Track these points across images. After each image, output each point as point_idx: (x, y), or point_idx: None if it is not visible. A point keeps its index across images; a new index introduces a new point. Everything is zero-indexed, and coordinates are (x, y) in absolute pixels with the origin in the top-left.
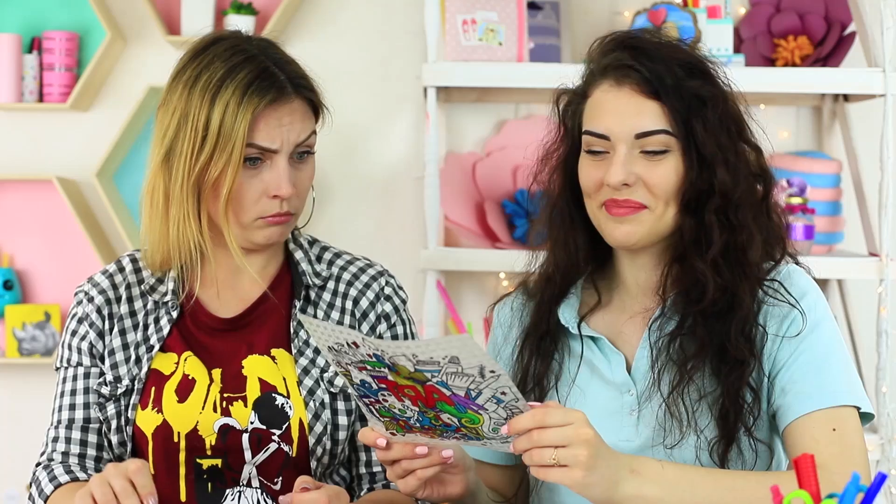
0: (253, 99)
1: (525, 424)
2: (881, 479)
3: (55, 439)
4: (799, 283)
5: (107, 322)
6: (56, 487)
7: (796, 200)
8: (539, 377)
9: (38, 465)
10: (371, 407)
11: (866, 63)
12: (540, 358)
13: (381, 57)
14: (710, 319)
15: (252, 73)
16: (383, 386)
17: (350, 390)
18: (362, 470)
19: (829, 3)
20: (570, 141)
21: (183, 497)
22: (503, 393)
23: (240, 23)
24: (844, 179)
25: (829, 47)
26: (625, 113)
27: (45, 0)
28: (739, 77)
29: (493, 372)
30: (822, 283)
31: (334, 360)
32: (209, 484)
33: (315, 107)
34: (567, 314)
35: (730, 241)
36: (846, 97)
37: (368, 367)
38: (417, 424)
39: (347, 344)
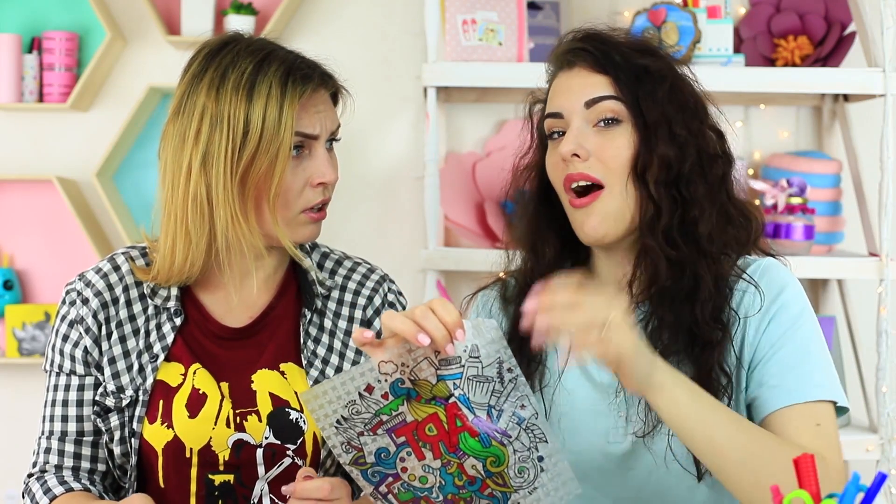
0: (295, 89)
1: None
2: (881, 479)
3: (47, 450)
4: (777, 278)
5: (104, 328)
6: (51, 500)
7: (796, 200)
8: (527, 371)
9: (30, 475)
10: (389, 495)
11: (866, 63)
12: (524, 362)
13: (381, 57)
14: (675, 303)
15: (283, 65)
16: (402, 440)
17: (361, 482)
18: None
19: (829, 3)
20: (540, 141)
21: None
22: (522, 406)
23: (240, 23)
24: (844, 179)
25: (829, 47)
26: (575, 88)
27: (45, 0)
28: (739, 77)
29: (510, 371)
30: (822, 283)
31: (344, 441)
32: (220, 501)
33: (335, 96)
34: None
35: (680, 214)
36: (846, 97)
37: (384, 418)
38: (440, 498)
39: (360, 394)
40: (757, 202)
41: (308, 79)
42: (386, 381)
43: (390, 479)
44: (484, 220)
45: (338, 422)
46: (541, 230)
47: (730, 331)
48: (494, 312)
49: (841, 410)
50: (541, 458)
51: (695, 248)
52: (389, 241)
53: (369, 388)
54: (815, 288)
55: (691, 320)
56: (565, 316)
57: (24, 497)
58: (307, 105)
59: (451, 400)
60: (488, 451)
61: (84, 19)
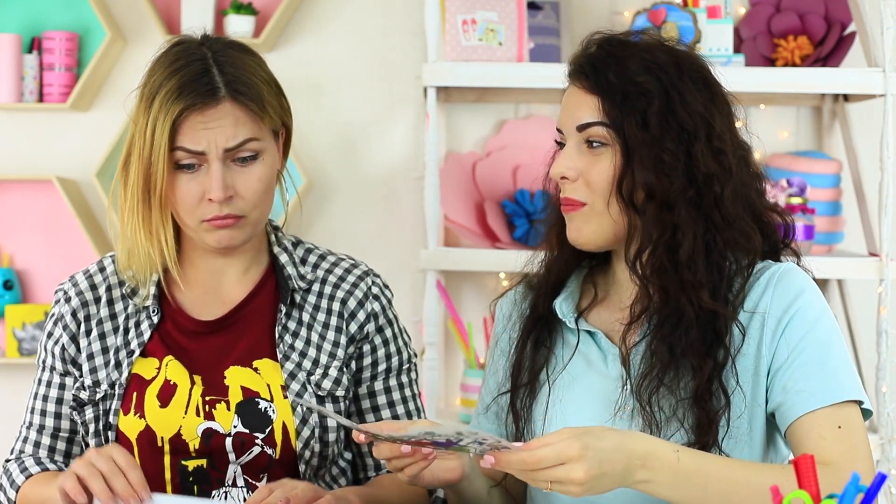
0: (176, 103)
1: (515, 467)
2: (881, 479)
3: (25, 440)
4: (794, 282)
5: (82, 325)
6: (27, 478)
7: (796, 200)
8: (533, 365)
9: (7, 460)
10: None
11: (866, 63)
12: (535, 347)
13: (381, 57)
14: (664, 327)
15: (185, 77)
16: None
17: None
18: (371, 473)
19: (829, 3)
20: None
21: None
22: (484, 439)
23: (239, 23)
24: (844, 179)
25: (829, 47)
26: (570, 108)
27: (45, 0)
28: (739, 77)
29: (471, 432)
30: (822, 283)
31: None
32: (195, 486)
33: (258, 113)
34: (564, 308)
35: (666, 239)
36: (846, 97)
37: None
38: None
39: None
40: None
41: (192, 94)
42: None
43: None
44: (484, 220)
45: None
46: (559, 226)
47: (729, 349)
48: (518, 298)
49: (866, 413)
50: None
51: (678, 275)
52: (389, 241)
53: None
54: None
55: (682, 345)
56: (527, 476)
57: (1, 479)
58: (192, 121)
59: (411, 440)
60: (449, 449)
61: (84, 19)
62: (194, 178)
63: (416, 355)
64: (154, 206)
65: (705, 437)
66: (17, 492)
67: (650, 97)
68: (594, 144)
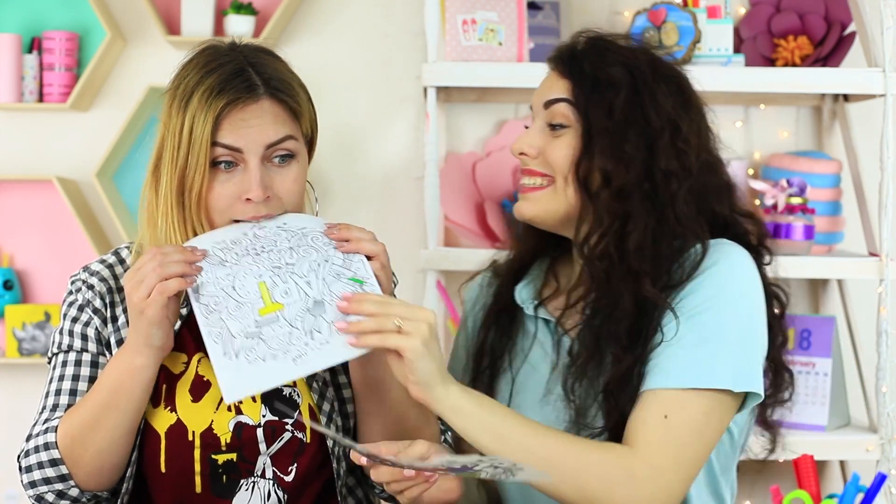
0: (217, 100)
1: (370, 308)
2: (881, 479)
3: (47, 422)
4: (712, 255)
5: (109, 310)
6: (56, 428)
7: (796, 200)
8: (494, 350)
9: (28, 438)
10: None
11: (866, 63)
12: (497, 333)
13: (381, 57)
14: (599, 314)
15: (222, 75)
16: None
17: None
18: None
19: (829, 3)
20: None
21: (198, 489)
22: (501, 463)
23: (239, 23)
24: (844, 179)
25: (829, 47)
26: (543, 88)
27: (45, 0)
28: (739, 77)
29: (490, 458)
30: (822, 283)
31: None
32: (224, 476)
33: (295, 112)
34: (524, 295)
35: (617, 227)
36: (846, 97)
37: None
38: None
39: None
40: (756, 202)
41: (237, 90)
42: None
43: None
44: (484, 220)
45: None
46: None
47: (649, 343)
48: (484, 285)
49: (754, 396)
50: (512, 475)
51: (623, 263)
52: (389, 240)
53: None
54: (815, 288)
55: (609, 337)
56: (381, 307)
57: (27, 460)
58: (233, 117)
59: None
60: (462, 474)
61: (84, 19)
62: (230, 179)
63: (397, 281)
64: (189, 207)
65: (618, 430)
66: (56, 446)
67: (619, 88)
68: (557, 126)
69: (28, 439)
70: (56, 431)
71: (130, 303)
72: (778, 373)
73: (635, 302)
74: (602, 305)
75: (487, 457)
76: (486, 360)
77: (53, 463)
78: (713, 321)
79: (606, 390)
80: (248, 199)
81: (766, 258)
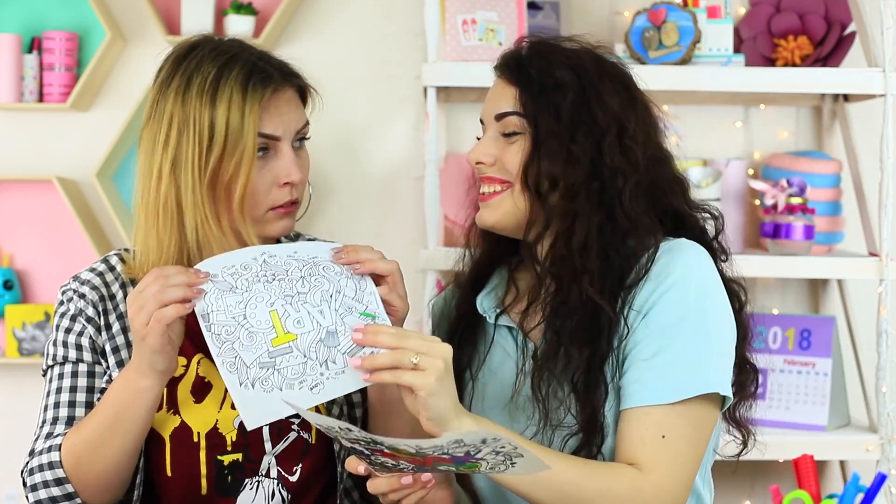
0: (256, 92)
1: (387, 340)
2: (881, 479)
3: (49, 436)
4: (673, 260)
5: (102, 318)
6: (59, 445)
7: (796, 200)
8: (459, 362)
9: (31, 453)
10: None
11: (866, 63)
12: (460, 344)
13: (381, 57)
14: (555, 315)
15: (245, 68)
16: (377, 455)
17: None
18: None
19: (829, 3)
20: None
21: (203, 490)
22: (502, 447)
23: (239, 23)
24: (844, 179)
25: (829, 47)
26: (492, 98)
27: (46, 0)
28: (739, 77)
29: (495, 438)
30: (822, 283)
31: (328, 433)
32: (229, 476)
33: (303, 95)
34: (486, 304)
35: (566, 228)
36: (846, 97)
37: (362, 444)
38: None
39: (339, 428)
40: (757, 202)
41: (269, 80)
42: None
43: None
44: None
45: (332, 429)
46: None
47: (612, 341)
48: (448, 297)
49: (726, 399)
50: (513, 464)
51: (569, 262)
52: (389, 240)
53: (349, 429)
54: (815, 288)
55: (567, 333)
56: (396, 340)
57: (31, 488)
58: (269, 106)
59: (430, 456)
60: (462, 465)
61: (84, 19)
62: (265, 166)
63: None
64: (222, 200)
65: (591, 425)
66: (61, 465)
67: (565, 91)
68: (510, 134)
69: (31, 455)
70: (60, 450)
71: (132, 327)
72: (742, 369)
73: (584, 300)
74: (557, 304)
75: (490, 438)
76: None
77: (59, 482)
78: (689, 329)
79: (575, 386)
80: (285, 184)
81: (723, 256)
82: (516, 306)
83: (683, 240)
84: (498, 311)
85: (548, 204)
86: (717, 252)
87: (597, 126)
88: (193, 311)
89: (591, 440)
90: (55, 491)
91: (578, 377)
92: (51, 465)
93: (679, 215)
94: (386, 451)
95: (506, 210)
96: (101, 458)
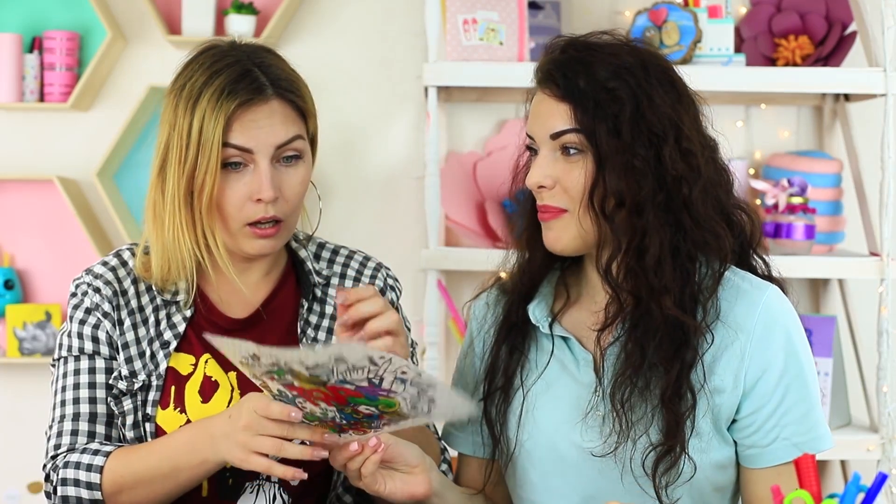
0: (227, 101)
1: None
2: (881, 479)
3: (60, 433)
4: (780, 314)
5: (115, 313)
6: (107, 455)
7: (797, 200)
8: (507, 369)
9: (54, 457)
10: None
11: (867, 63)
12: (510, 351)
13: (381, 57)
14: (635, 331)
15: (230, 76)
16: (295, 393)
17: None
18: None
19: (830, 3)
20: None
21: (204, 493)
22: (403, 373)
23: (240, 23)
24: (845, 179)
25: (830, 47)
26: (543, 115)
27: (46, 0)
28: (740, 77)
29: (382, 357)
30: (823, 283)
31: (251, 373)
32: (230, 479)
33: (303, 112)
34: (538, 312)
35: (636, 245)
36: (847, 97)
37: (276, 377)
38: (344, 422)
39: (251, 356)
40: (757, 202)
41: (242, 91)
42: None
43: (295, 407)
44: (485, 219)
45: (241, 362)
46: (532, 230)
47: (697, 350)
48: (491, 301)
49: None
50: (432, 400)
51: (645, 279)
52: (390, 240)
53: (256, 357)
54: (816, 288)
55: (652, 348)
56: None
57: (54, 486)
58: (243, 118)
59: (329, 384)
60: (377, 402)
61: (85, 19)
62: (240, 179)
63: (416, 344)
64: (198, 208)
65: (672, 438)
66: (101, 473)
67: (621, 103)
68: (570, 151)
69: (57, 450)
70: (103, 469)
71: (237, 438)
72: None
73: (665, 318)
74: (639, 320)
75: (377, 355)
76: (499, 379)
77: (90, 486)
78: (797, 386)
79: (664, 399)
80: (258, 200)
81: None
82: (566, 314)
83: (765, 285)
84: (549, 319)
85: (614, 223)
86: (762, 252)
87: (654, 135)
88: (203, 312)
89: (673, 450)
90: (84, 493)
91: (665, 389)
92: (89, 486)
93: (727, 214)
94: (295, 385)
95: (572, 235)
96: (144, 494)
